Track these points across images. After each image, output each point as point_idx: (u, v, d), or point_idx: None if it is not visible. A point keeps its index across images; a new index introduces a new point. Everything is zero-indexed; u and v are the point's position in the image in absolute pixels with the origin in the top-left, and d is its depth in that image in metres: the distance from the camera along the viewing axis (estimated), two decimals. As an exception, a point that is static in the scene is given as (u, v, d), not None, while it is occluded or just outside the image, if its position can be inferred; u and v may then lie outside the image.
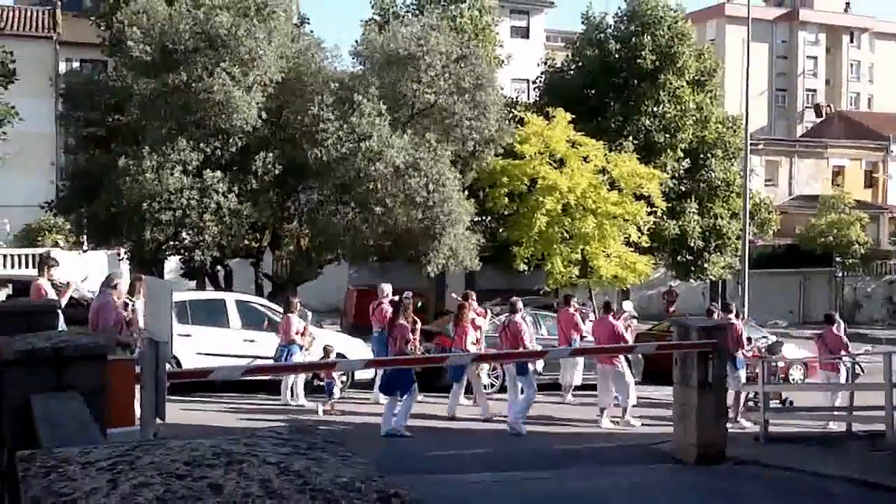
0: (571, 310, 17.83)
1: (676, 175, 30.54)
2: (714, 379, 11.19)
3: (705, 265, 32.48)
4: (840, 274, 44.59)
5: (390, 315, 14.43)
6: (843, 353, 15.94)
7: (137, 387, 6.43)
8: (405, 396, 13.18)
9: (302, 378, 15.54)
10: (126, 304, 12.11)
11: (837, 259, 43.74)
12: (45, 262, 13.23)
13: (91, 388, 4.44)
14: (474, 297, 16.59)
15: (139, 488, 1.53)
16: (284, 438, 1.81)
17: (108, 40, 22.48)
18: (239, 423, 13.77)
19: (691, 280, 34.76)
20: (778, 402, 17.13)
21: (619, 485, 10.42)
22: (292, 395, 15.58)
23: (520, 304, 15.05)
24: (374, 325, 16.42)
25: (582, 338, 17.47)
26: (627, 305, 19.13)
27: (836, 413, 15.13)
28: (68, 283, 13.81)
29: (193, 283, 22.78)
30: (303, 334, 15.52)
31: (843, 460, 11.83)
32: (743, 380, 15.67)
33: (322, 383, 15.66)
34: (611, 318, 15.77)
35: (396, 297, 15.01)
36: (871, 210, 48.34)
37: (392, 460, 10.47)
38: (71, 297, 20.52)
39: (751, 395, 16.37)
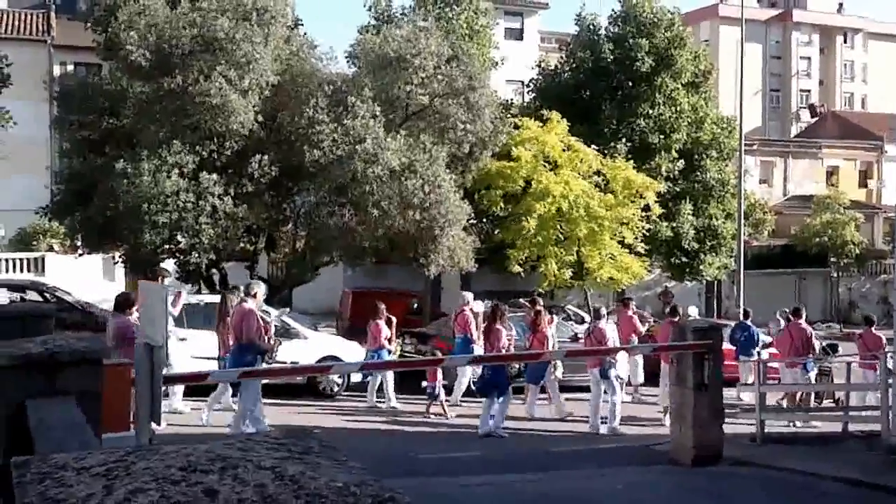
0: (630, 312, 18.06)
1: (671, 176, 30.56)
2: (710, 380, 11.19)
3: (700, 266, 32.52)
4: (835, 274, 44.65)
5: (487, 321, 14.98)
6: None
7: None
8: (501, 398, 13.83)
9: (391, 380, 16.05)
10: (266, 312, 13.27)
11: (832, 259, 43.80)
12: (159, 273, 14.50)
13: (86, 392, 4.43)
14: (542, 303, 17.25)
15: (134, 494, 1.53)
16: (279, 443, 1.81)
17: (103, 44, 22.46)
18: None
19: (686, 281, 34.80)
20: (832, 401, 17.37)
21: (615, 486, 10.42)
22: (376, 396, 16.30)
23: (604, 311, 15.91)
24: (455, 331, 16.78)
25: (640, 339, 18.05)
26: (693, 311, 19.42)
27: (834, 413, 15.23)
28: (180, 292, 14.86)
29: (189, 287, 22.74)
30: (390, 340, 16.22)
31: (839, 461, 11.84)
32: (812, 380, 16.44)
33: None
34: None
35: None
36: (866, 210, 48.43)
37: (388, 464, 10.46)
38: (66, 303, 20.58)
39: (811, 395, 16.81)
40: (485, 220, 27.35)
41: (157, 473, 1.62)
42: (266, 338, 12.72)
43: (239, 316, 12.60)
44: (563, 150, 26.57)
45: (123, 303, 11.77)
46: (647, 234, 28.15)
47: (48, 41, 36.49)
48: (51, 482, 1.61)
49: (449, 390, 16.18)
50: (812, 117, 67.23)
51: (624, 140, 29.51)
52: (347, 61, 23.24)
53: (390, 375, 15.99)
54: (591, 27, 32.88)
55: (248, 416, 12.31)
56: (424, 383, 15.91)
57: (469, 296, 17.24)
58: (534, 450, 13.12)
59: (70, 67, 35.44)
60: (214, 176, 19.53)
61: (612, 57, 31.05)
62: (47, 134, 31.81)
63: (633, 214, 26.56)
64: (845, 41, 75.36)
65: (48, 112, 29.46)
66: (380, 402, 16.16)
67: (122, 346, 11.07)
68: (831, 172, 52.07)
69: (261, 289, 13.23)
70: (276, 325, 15.07)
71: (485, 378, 14.19)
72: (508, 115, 27.02)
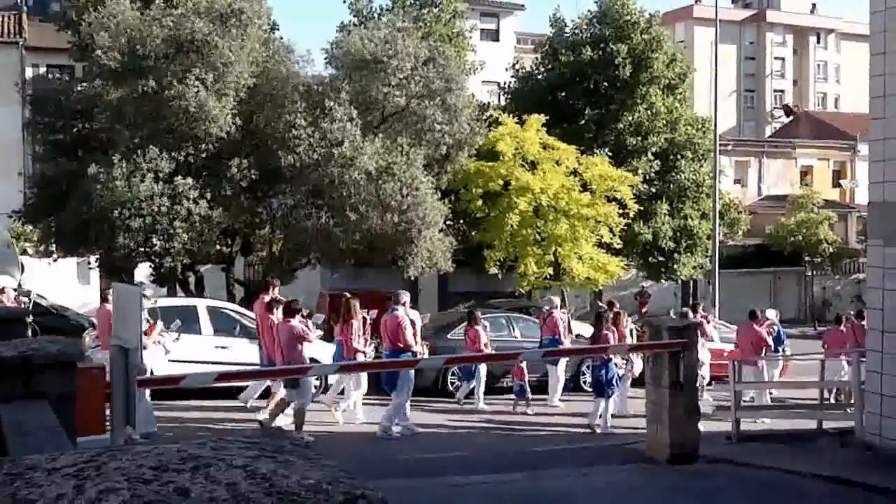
0: (698, 317, 18.25)
1: (647, 177, 30.67)
2: (685, 378, 11.26)
3: (676, 266, 32.65)
4: (809, 273, 45.01)
5: (594, 325, 16.30)
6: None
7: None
8: (608, 397, 14.80)
9: (482, 383, 16.86)
10: (412, 320, 14.44)
11: (807, 258, 44.14)
12: (269, 283, 15.79)
13: (60, 396, 4.41)
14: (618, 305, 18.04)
15: (105, 493, 1.53)
16: (251, 442, 1.82)
17: (75, 46, 22.24)
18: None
19: (662, 280, 34.96)
20: None
21: (592, 485, 10.48)
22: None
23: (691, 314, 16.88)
24: (544, 332, 17.60)
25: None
26: (770, 313, 19.82)
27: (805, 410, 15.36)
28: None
29: (164, 290, 22.60)
30: (486, 345, 16.77)
31: (814, 457, 11.95)
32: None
33: None
34: (755, 325, 17.13)
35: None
36: (840, 209, 48.81)
37: (372, 464, 10.47)
38: (40, 306, 20.40)
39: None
40: (462, 221, 27.36)
41: (128, 473, 1.62)
42: (417, 340, 14.24)
43: (394, 322, 13.95)
44: (542, 149, 26.65)
45: (292, 310, 13.55)
46: (625, 231, 28.23)
47: (20, 43, 36.09)
48: (21, 483, 1.60)
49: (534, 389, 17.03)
50: (787, 117, 67.72)
51: (601, 143, 29.58)
52: (325, 62, 23.19)
53: (483, 374, 16.79)
54: (574, 29, 32.82)
55: (399, 411, 13.74)
56: (511, 381, 16.92)
57: (556, 300, 18.68)
58: (517, 449, 13.16)
59: (42, 69, 35.06)
60: (190, 180, 19.42)
61: (589, 59, 31.04)
62: (20, 137, 31.47)
63: (611, 211, 26.67)
64: (818, 41, 76.04)
65: (20, 115, 29.15)
66: (470, 401, 16.94)
67: (295, 348, 13.08)
68: (805, 172, 52.45)
69: (407, 297, 14.64)
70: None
71: (597, 379, 14.91)
72: (487, 114, 27.06)
